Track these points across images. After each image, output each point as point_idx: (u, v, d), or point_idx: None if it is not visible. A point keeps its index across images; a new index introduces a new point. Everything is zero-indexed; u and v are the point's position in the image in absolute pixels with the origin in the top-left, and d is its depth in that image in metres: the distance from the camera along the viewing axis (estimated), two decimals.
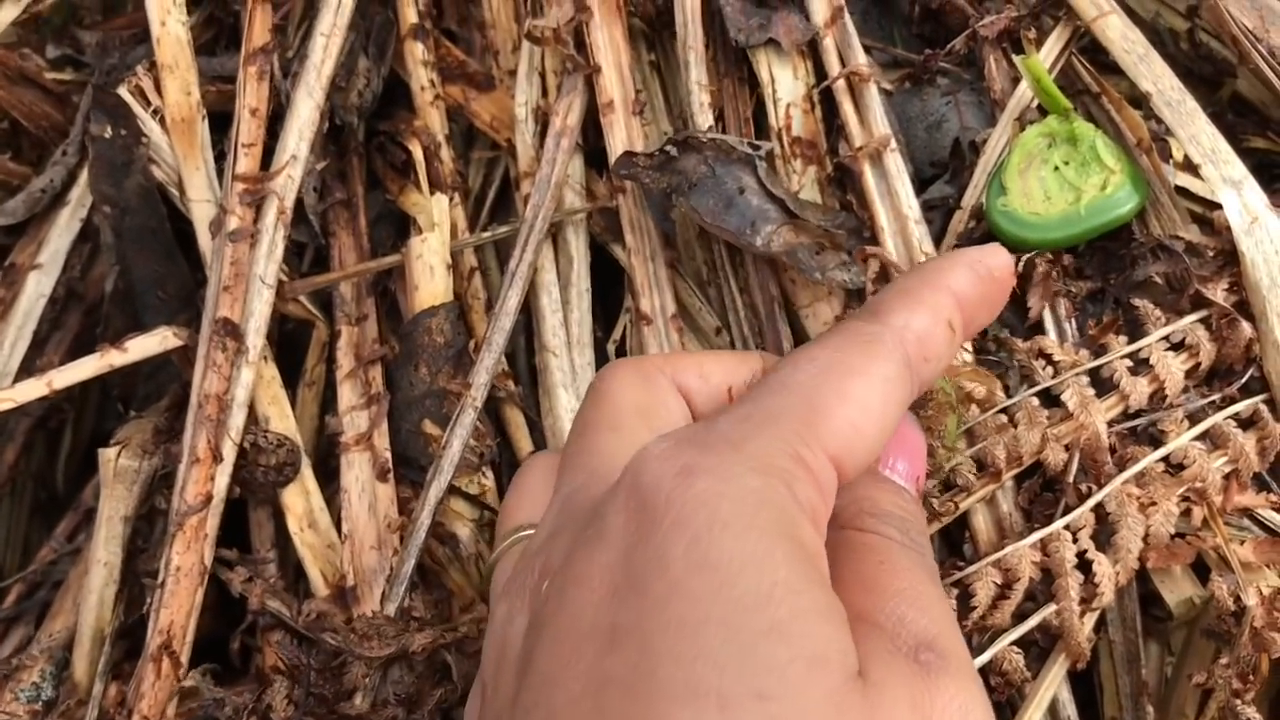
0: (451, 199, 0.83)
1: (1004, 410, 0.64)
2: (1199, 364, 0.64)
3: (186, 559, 0.68)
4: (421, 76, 0.86)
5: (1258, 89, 0.74)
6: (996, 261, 0.55)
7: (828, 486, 0.45)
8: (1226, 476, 0.63)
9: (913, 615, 0.45)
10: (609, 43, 0.79)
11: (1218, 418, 0.63)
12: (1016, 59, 0.68)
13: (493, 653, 0.48)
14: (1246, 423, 0.64)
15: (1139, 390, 0.63)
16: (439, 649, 0.66)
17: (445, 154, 0.85)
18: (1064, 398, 0.63)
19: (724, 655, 0.38)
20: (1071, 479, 0.63)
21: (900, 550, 0.49)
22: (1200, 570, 0.62)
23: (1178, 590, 0.62)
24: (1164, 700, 0.64)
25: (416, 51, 0.86)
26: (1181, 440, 0.63)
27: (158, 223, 0.82)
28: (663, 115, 0.82)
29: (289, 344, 0.84)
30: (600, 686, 0.40)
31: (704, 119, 0.75)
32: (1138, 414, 0.64)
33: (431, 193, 0.82)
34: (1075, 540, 0.61)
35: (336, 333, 0.80)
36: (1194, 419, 0.64)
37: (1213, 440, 0.64)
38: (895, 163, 0.70)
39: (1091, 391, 0.63)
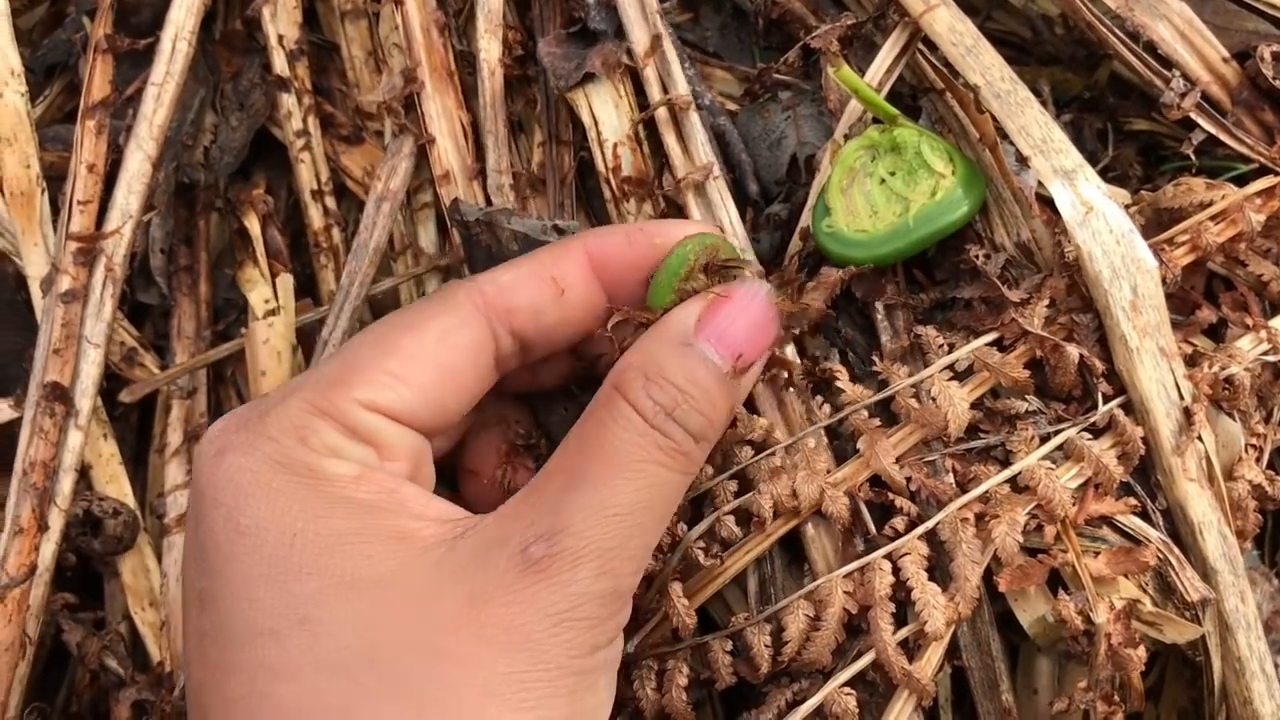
0: (276, 272, 0.81)
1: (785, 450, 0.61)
2: (993, 390, 0.61)
3: (7, 633, 0.66)
4: (291, 129, 0.83)
5: (1132, 71, 0.71)
6: (661, 230, 0.57)
7: (363, 426, 0.51)
8: (1082, 487, 0.59)
9: (564, 506, 0.48)
10: (441, 112, 0.76)
11: (1070, 432, 0.59)
12: (830, 71, 0.64)
13: None
14: (1101, 430, 0.60)
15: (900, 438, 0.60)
16: None
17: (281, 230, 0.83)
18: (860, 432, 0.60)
19: (269, 600, 0.46)
20: (865, 518, 0.59)
21: (632, 431, 0.51)
22: (1059, 587, 0.58)
23: (1031, 609, 0.58)
24: None
25: (285, 103, 0.84)
26: (1029, 460, 0.58)
27: (10, 294, 0.81)
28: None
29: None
30: (200, 640, 0.48)
31: (503, 200, 0.73)
32: (980, 434, 0.60)
33: (270, 267, 0.81)
34: (897, 570, 0.57)
35: (168, 406, 0.78)
36: (1046, 436, 0.60)
37: (1066, 454, 0.60)
38: (719, 191, 0.67)
39: (876, 422, 0.60)
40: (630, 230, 0.58)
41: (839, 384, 0.61)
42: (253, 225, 0.82)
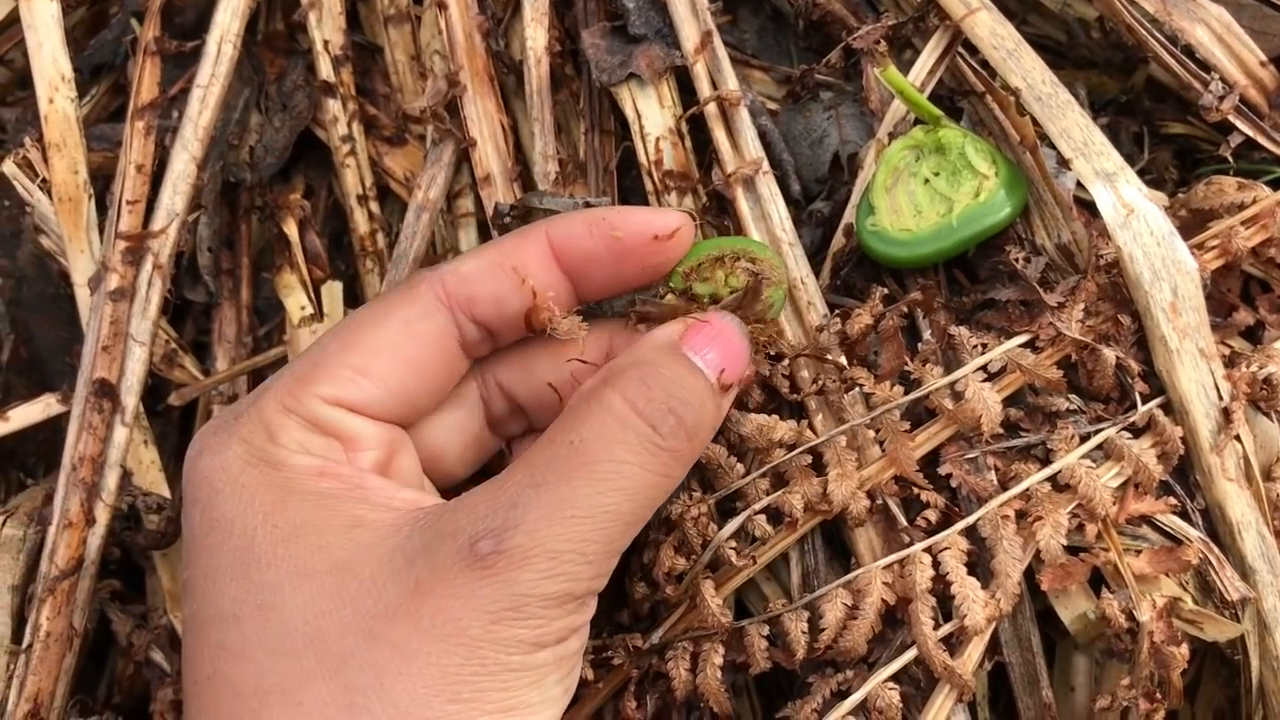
0: (315, 277, 0.82)
1: (811, 450, 0.61)
2: (1018, 393, 0.62)
3: (56, 624, 0.67)
4: (336, 134, 0.84)
5: (1170, 74, 0.71)
6: (624, 221, 0.56)
7: (326, 420, 0.53)
8: (1122, 486, 0.59)
9: (521, 502, 0.48)
10: (483, 115, 0.77)
11: (1110, 431, 0.60)
12: (875, 71, 0.65)
13: None
14: (1141, 430, 0.60)
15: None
16: None
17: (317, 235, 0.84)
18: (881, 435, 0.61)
19: (234, 589, 0.49)
20: (895, 514, 0.60)
21: (614, 424, 0.50)
22: (1099, 584, 0.59)
23: (1072, 606, 0.59)
24: None
25: (331, 108, 0.85)
26: (1069, 459, 0.59)
27: (55, 288, 0.82)
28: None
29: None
30: (184, 626, 0.52)
31: (547, 185, 0.74)
32: (1021, 433, 0.61)
33: (309, 271, 0.82)
34: (937, 564, 0.57)
35: (209, 411, 0.79)
36: (1086, 435, 0.60)
37: (1107, 453, 0.60)
38: (768, 186, 0.68)
39: (905, 425, 0.61)
40: (592, 219, 0.57)
41: (865, 387, 0.61)
42: (290, 230, 0.83)
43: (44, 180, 0.80)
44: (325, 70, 0.84)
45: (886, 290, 0.64)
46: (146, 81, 0.79)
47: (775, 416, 0.62)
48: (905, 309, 0.63)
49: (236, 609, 0.48)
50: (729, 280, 0.58)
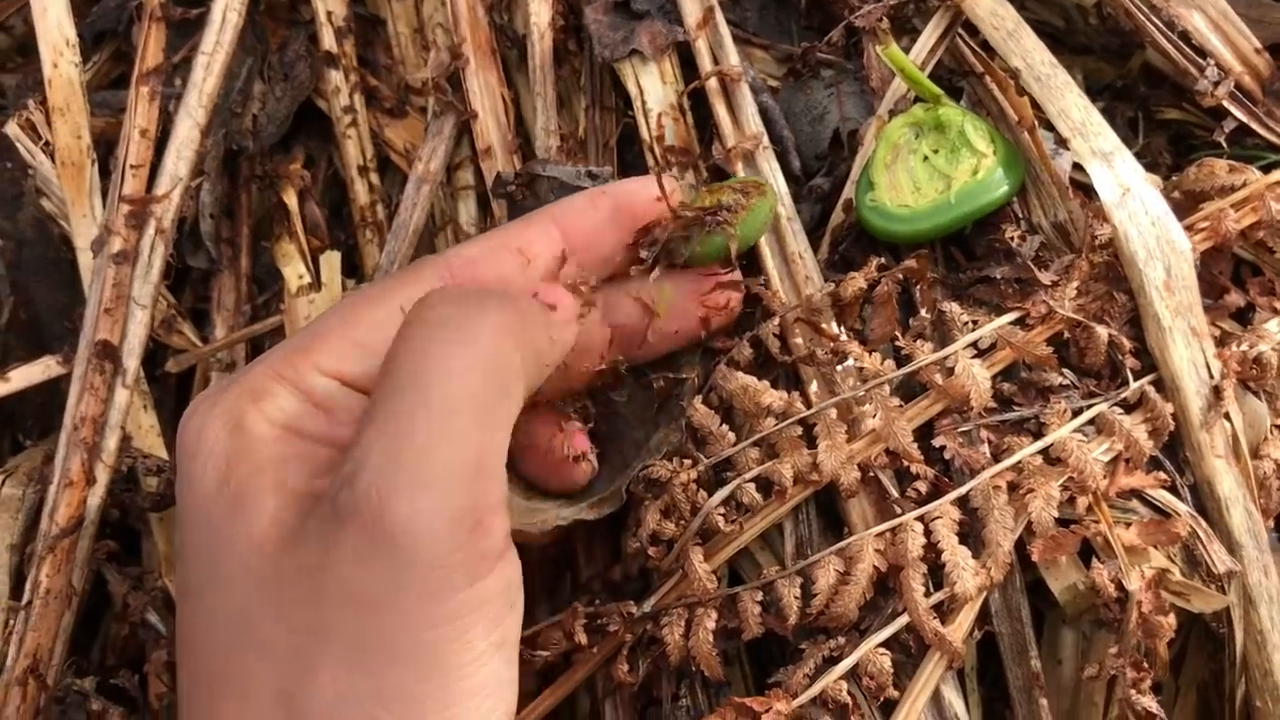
0: (314, 247, 0.83)
1: (801, 421, 0.62)
2: (1011, 367, 0.63)
3: (55, 582, 0.67)
4: (338, 105, 0.85)
5: (1166, 59, 0.72)
6: (621, 189, 0.59)
7: (319, 391, 0.51)
8: (1113, 461, 0.60)
9: (362, 441, 0.46)
10: (485, 88, 0.78)
11: (1102, 407, 0.61)
12: (877, 50, 0.66)
13: None
14: (1133, 406, 0.61)
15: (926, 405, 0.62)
16: None
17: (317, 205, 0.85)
18: (866, 410, 0.62)
19: (202, 541, 0.49)
20: (885, 486, 0.61)
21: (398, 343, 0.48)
22: (1089, 556, 0.59)
23: (1062, 578, 0.60)
24: (1075, 691, 0.61)
25: (333, 79, 0.85)
26: (1061, 432, 0.60)
27: (57, 252, 0.82)
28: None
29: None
30: (177, 595, 0.53)
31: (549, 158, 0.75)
32: (1014, 406, 0.62)
33: (308, 241, 0.82)
34: (929, 533, 0.58)
35: (207, 378, 0.79)
36: (1078, 410, 0.61)
37: (1098, 428, 0.61)
38: (769, 162, 0.69)
39: (895, 401, 0.61)
40: (593, 193, 0.59)
41: (857, 361, 0.62)
42: (290, 200, 0.83)
43: (47, 143, 0.80)
44: (328, 41, 0.85)
45: (882, 260, 0.65)
46: (151, 47, 0.80)
47: (766, 383, 0.63)
48: (900, 276, 0.64)
49: (197, 582, 0.49)
50: (720, 199, 0.61)
